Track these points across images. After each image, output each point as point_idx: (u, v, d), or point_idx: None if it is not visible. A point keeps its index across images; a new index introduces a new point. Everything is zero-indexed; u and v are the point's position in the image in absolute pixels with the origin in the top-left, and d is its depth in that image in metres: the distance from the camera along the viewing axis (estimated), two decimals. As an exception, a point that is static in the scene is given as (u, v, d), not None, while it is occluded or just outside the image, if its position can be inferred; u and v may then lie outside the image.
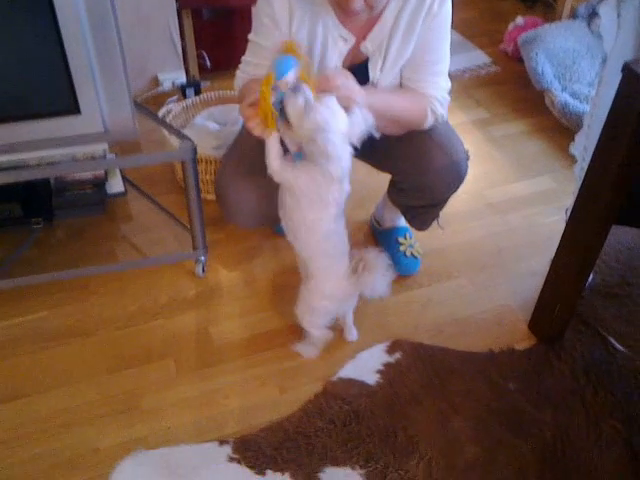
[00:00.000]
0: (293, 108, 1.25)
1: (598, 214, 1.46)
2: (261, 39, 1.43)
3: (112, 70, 1.44)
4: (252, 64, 1.47)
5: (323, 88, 1.31)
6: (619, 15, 1.57)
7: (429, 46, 1.43)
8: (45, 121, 1.48)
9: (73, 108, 1.46)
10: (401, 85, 1.51)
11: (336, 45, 1.42)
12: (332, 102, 1.26)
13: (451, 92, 1.53)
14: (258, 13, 1.41)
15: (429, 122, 1.51)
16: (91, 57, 1.40)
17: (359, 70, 1.45)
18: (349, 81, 1.32)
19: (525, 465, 1.42)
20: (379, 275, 1.45)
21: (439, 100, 1.50)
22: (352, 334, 1.68)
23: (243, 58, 1.49)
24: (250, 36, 1.46)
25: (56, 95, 1.45)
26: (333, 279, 1.49)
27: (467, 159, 1.57)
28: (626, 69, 1.25)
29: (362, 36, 1.42)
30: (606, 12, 1.60)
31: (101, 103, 1.47)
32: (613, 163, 1.36)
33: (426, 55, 1.44)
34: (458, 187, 1.59)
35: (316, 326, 1.58)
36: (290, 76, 1.25)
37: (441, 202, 1.66)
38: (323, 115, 1.24)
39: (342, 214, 1.43)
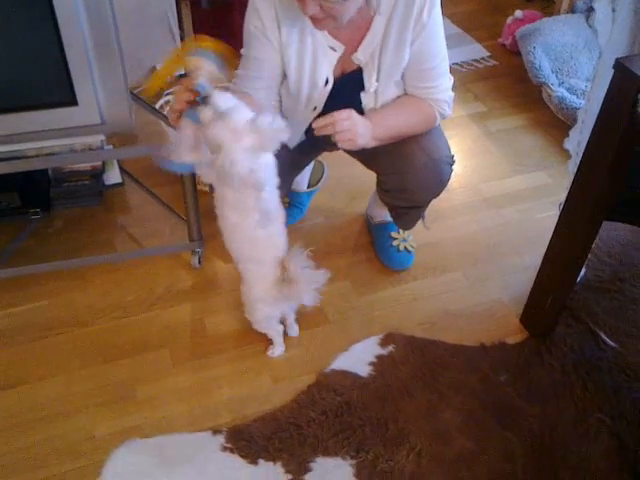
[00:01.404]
0: (202, 118, 1.24)
1: (589, 209, 1.47)
2: (253, 52, 1.44)
3: (109, 62, 1.46)
4: (246, 78, 1.47)
5: (324, 131, 1.33)
6: (614, 10, 1.58)
7: (426, 54, 1.44)
8: (42, 112, 1.49)
9: (70, 99, 1.47)
10: (406, 91, 1.52)
11: (325, 55, 1.42)
12: (236, 115, 1.24)
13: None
14: (247, 26, 1.42)
15: (437, 123, 1.54)
16: (88, 49, 1.41)
17: (353, 79, 1.46)
18: (351, 122, 1.34)
19: (513, 457, 1.44)
20: (304, 286, 1.43)
21: (446, 101, 1.51)
22: (293, 330, 1.69)
23: (237, 72, 1.49)
24: (242, 50, 1.46)
25: (53, 86, 1.47)
26: (261, 285, 1.47)
27: (451, 164, 1.57)
28: (618, 65, 1.26)
29: (353, 46, 1.42)
30: (601, 7, 1.62)
31: (98, 95, 1.49)
32: (605, 159, 1.37)
33: (424, 63, 1.45)
34: (440, 191, 1.60)
35: (263, 327, 1.59)
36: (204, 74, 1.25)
37: (423, 204, 1.68)
38: (221, 134, 1.22)
39: (276, 221, 1.41)
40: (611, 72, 1.29)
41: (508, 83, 2.69)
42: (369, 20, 1.38)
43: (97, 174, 1.98)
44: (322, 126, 1.34)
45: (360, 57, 1.43)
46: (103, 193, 2.04)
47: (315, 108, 1.51)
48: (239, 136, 1.22)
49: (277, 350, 1.64)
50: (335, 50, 1.42)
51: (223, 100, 1.25)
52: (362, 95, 1.49)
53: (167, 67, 1.27)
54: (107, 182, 2.02)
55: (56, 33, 1.37)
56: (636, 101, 1.18)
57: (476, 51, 2.89)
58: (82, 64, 1.43)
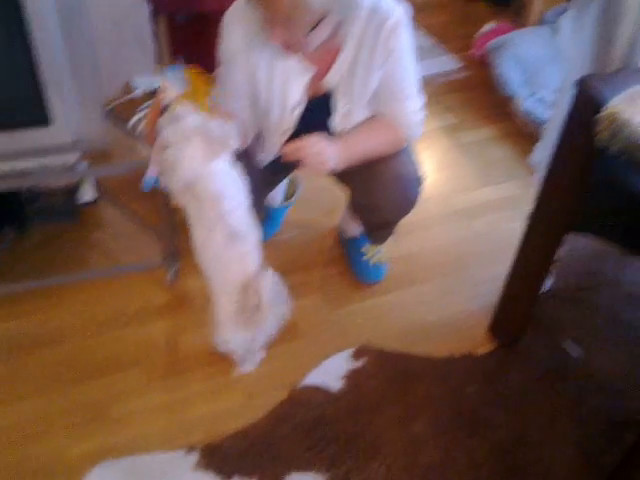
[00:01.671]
0: (160, 122, 1.28)
1: (553, 222, 1.51)
2: (227, 73, 1.48)
3: (84, 82, 1.49)
4: (225, 98, 1.50)
5: (292, 158, 1.36)
6: (577, 29, 1.62)
7: (394, 78, 1.47)
8: (16, 132, 1.50)
9: (44, 119, 1.49)
10: (376, 113, 1.55)
11: (296, 78, 1.45)
12: (187, 118, 1.27)
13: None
14: (220, 48, 1.45)
15: (407, 144, 1.58)
16: (63, 69, 1.44)
17: (323, 102, 1.50)
18: (319, 147, 1.38)
19: (482, 466, 1.47)
20: (270, 311, 1.44)
21: (415, 122, 1.55)
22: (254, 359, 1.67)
23: (216, 93, 1.52)
24: (217, 70, 1.50)
25: (27, 107, 1.49)
26: (229, 305, 1.47)
27: (419, 184, 1.61)
28: (578, 85, 1.30)
29: (323, 70, 1.45)
30: (566, 25, 1.65)
31: (72, 114, 1.51)
32: (566, 175, 1.42)
33: (393, 87, 1.48)
34: (409, 210, 1.64)
35: (225, 348, 1.59)
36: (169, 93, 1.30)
37: (393, 222, 1.71)
38: (170, 136, 1.26)
39: (245, 240, 1.41)
40: (573, 90, 1.33)
41: (479, 95, 2.74)
42: (339, 45, 1.41)
43: (72, 191, 1.98)
44: (291, 151, 1.37)
45: (330, 81, 1.46)
46: (78, 210, 2.05)
47: (286, 130, 1.54)
48: (187, 138, 1.25)
49: (248, 367, 1.64)
50: (305, 74, 1.45)
51: (181, 107, 1.27)
52: (332, 118, 1.52)
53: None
54: (82, 199, 2.02)
55: (31, 54, 1.39)
56: (595, 121, 1.21)
57: (448, 63, 2.94)
58: (56, 83, 1.45)
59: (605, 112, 1.18)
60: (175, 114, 1.26)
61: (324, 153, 1.40)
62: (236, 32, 1.40)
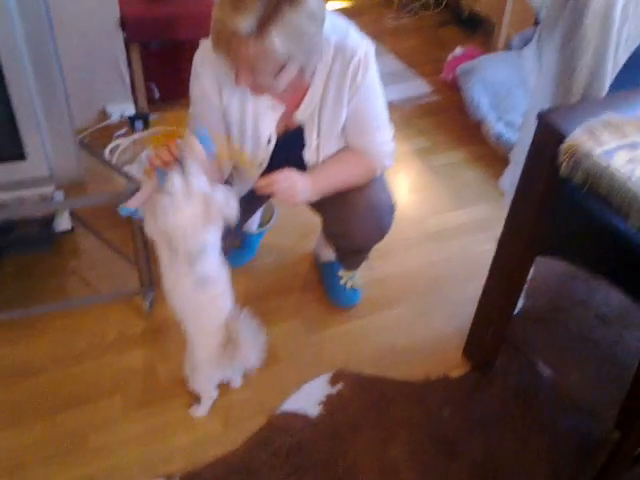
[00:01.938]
0: (170, 179, 1.29)
1: (521, 246, 1.56)
2: (199, 113, 1.51)
3: (56, 117, 1.49)
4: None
5: (264, 191, 1.40)
6: (540, 59, 1.68)
7: (363, 112, 1.51)
8: (-8, 167, 1.51)
9: (19, 153, 1.50)
10: (347, 145, 1.59)
11: (266, 114, 1.49)
12: (196, 183, 1.29)
13: (394, 123, 1.61)
14: (192, 89, 1.49)
15: (378, 174, 1.61)
16: (36, 104, 1.44)
17: (295, 135, 1.53)
18: (290, 182, 1.41)
19: (458, 489, 1.50)
20: (248, 349, 1.44)
21: (385, 153, 1.59)
22: (235, 383, 1.69)
23: (187, 132, 1.55)
24: (190, 110, 1.53)
25: (2, 141, 1.49)
26: (204, 347, 1.48)
27: (392, 212, 1.65)
28: (540, 118, 1.35)
29: (293, 105, 1.49)
30: (528, 56, 1.71)
31: (46, 148, 1.51)
32: (532, 201, 1.46)
33: (362, 120, 1.52)
34: (381, 237, 1.68)
35: (199, 388, 1.59)
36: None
37: (365, 249, 1.74)
38: (175, 197, 1.27)
39: (216, 283, 1.42)
40: (536, 122, 1.38)
41: (451, 118, 2.80)
42: (307, 83, 1.44)
43: (48, 220, 1.98)
44: (263, 186, 1.40)
45: (300, 116, 1.50)
46: (53, 239, 2.05)
47: (261, 163, 1.57)
48: (189, 195, 1.27)
49: (200, 411, 1.63)
50: (275, 111, 1.48)
51: (195, 170, 1.29)
52: (304, 151, 1.56)
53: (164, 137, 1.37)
54: (57, 228, 2.02)
55: (4, 91, 1.40)
56: (557, 153, 1.26)
57: (420, 87, 3.01)
58: (30, 119, 1.46)
59: (566, 145, 1.23)
60: (189, 168, 1.28)
61: (295, 187, 1.43)
62: (207, 73, 1.43)
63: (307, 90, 1.46)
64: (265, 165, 1.58)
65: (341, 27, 1.43)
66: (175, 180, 1.27)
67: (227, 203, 1.30)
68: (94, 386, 1.70)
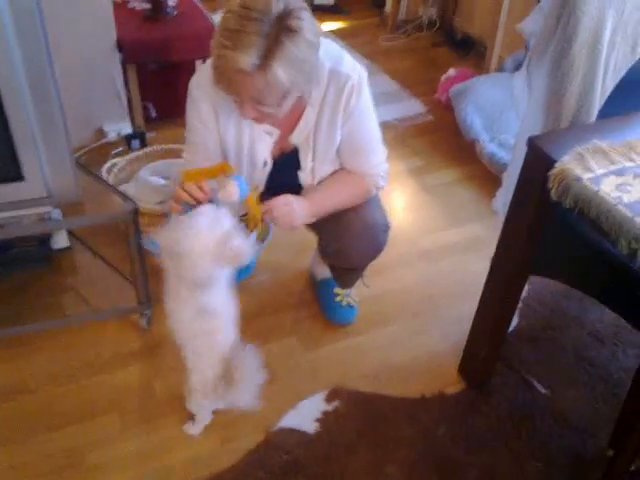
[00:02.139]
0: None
1: (514, 266, 1.58)
2: (194, 137, 1.54)
3: (54, 139, 1.51)
4: (191, 162, 1.56)
5: (264, 218, 1.43)
6: (530, 85, 1.72)
7: (357, 135, 1.55)
8: (-9, 188, 1.53)
9: (17, 175, 1.52)
10: (342, 166, 1.62)
11: (262, 139, 1.52)
12: (218, 225, 1.30)
13: (387, 143, 1.64)
14: (188, 115, 1.51)
15: (373, 194, 1.64)
16: (33, 128, 1.46)
17: (290, 158, 1.56)
18: (289, 207, 1.44)
19: (454, 507, 1.51)
20: (244, 388, 1.43)
21: (380, 175, 1.62)
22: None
23: (184, 155, 1.60)
24: (185, 134, 1.56)
25: (0, 164, 1.50)
26: (199, 376, 1.47)
27: (386, 230, 1.68)
28: (530, 144, 1.38)
29: (289, 129, 1.52)
30: (519, 82, 1.75)
31: (44, 169, 1.53)
32: (524, 223, 1.49)
33: (356, 143, 1.56)
34: (375, 256, 1.70)
35: (193, 410, 1.59)
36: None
37: (361, 267, 1.77)
38: (188, 236, 1.28)
39: (219, 318, 1.41)
40: (526, 148, 1.41)
41: (444, 138, 2.84)
42: (302, 107, 1.48)
43: (44, 239, 2.00)
44: (262, 212, 1.43)
45: (295, 140, 1.53)
46: (51, 257, 2.07)
47: (257, 187, 1.60)
48: (209, 237, 1.28)
49: (193, 430, 1.63)
50: (271, 134, 1.52)
51: (225, 211, 1.31)
52: (300, 173, 1.59)
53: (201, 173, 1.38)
54: (55, 246, 2.04)
55: (1, 111, 1.42)
56: (547, 177, 1.29)
57: (414, 107, 3.05)
58: (27, 140, 1.48)
59: (556, 170, 1.26)
60: (220, 208, 1.30)
61: (294, 212, 1.46)
62: (203, 99, 1.46)
63: (302, 114, 1.49)
64: (262, 188, 1.60)
65: (335, 53, 1.47)
66: (204, 215, 1.28)
67: (243, 250, 1.30)
68: (91, 403, 1.70)
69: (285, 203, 1.45)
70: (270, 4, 1.23)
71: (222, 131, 1.49)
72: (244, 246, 1.29)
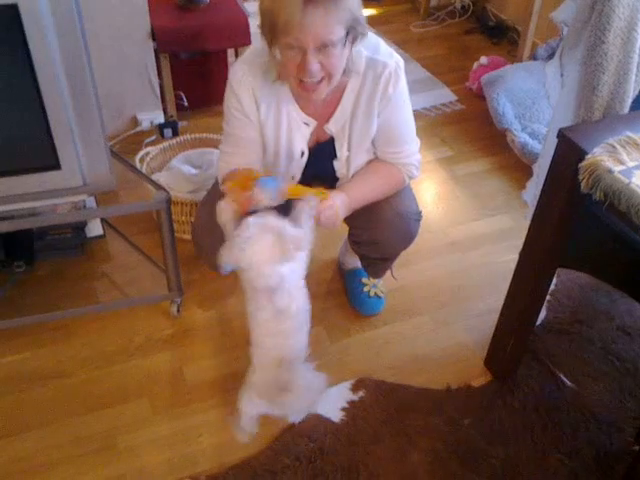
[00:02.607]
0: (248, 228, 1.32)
1: (543, 258, 1.57)
2: (234, 129, 1.54)
3: (90, 129, 1.54)
4: (230, 154, 1.56)
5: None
6: (562, 75, 1.70)
7: (393, 123, 1.55)
8: (28, 176, 1.57)
9: (54, 164, 1.56)
10: (376, 156, 1.62)
11: (299, 129, 1.53)
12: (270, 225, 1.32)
13: (417, 132, 1.63)
14: (228, 106, 1.51)
15: (406, 184, 1.65)
16: (70, 116, 1.49)
17: (326, 148, 1.58)
18: (332, 211, 1.45)
19: (477, 497, 1.52)
20: (297, 400, 1.44)
21: (414, 165, 1.62)
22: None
23: (221, 148, 1.60)
24: (224, 126, 1.56)
25: (38, 152, 1.54)
26: (261, 376, 1.45)
27: (418, 219, 1.68)
28: (561, 135, 1.37)
29: (325, 119, 1.53)
30: (551, 71, 1.73)
31: (80, 159, 1.57)
32: (553, 215, 1.48)
33: (392, 132, 1.56)
34: (408, 244, 1.70)
35: (243, 413, 1.54)
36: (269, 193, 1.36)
37: (392, 257, 1.77)
38: (244, 244, 1.30)
39: (293, 319, 1.40)
40: (557, 139, 1.40)
41: (474, 127, 2.82)
42: (339, 94, 1.48)
43: (79, 227, 2.05)
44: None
45: (332, 128, 1.54)
46: (85, 244, 2.12)
47: (293, 177, 1.62)
48: (263, 240, 1.31)
49: (239, 436, 1.55)
50: (308, 125, 1.53)
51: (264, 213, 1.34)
52: (335, 162, 1.60)
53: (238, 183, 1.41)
54: (89, 234, 2.09)
55: (39, 102, 1.46)
56: (577, 169, 1.28)
57: (444, 95, 3.02)
58: (64, 130, 1.51)
59: (587, 162, 1.24)
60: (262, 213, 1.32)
61: (338, 214, 1.47)
62: (246, 92, 1.46)
63: (339, 102, 1.50)
64: (298, 178, 1.62)
65: (372, 41, 1.47)
66: (249, 226, 1.30)
67: (300, 236, 1.32)
68: (123, 388, 1.75)
69: (330, 207, 1.46)
70: None
71: (262, 121, 1.51)
72: (299, 232, 1.32)
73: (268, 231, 1.32)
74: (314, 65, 1.33)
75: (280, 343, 1.43)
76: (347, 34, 1.32)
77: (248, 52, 1.52)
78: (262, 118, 1.50)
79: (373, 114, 1.51)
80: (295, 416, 1.50)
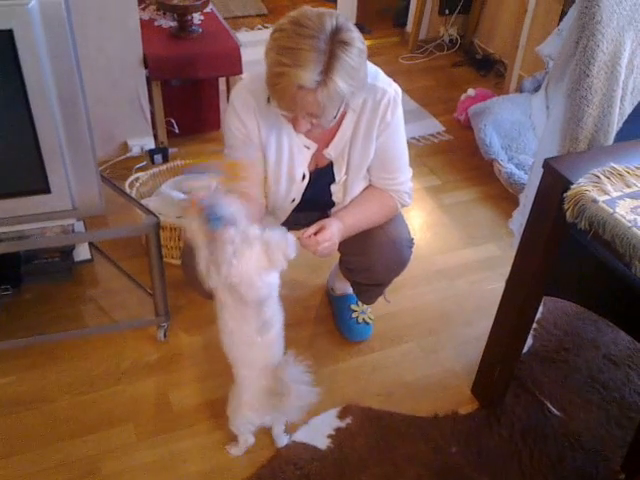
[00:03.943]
0: (226, 235, 1.30)
1: (529, 286, 1.59)
2: (236, 152, 1.55)
3: (81, 154, 1.55)
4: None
5: (308, 249, 1.47)
6: (548, 107, 1.74)
7: (389, 149, 1.58)
8: (18, 199, 1.57)
9: (44, 188, 1.56)
10: (371, 182, 1.65)
11: (300, 152, 1.56)
12: (250, 231, 1.32)
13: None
14: (230, 129, 1.53)
15: (398, 212, 1.68)
16: (62, 143, 1.50)
17: (325, 172, 1.61)
18: (330, 243, 1.48)
19: (464, 526, 1.51)
20: (293, 401, 1.43)
21: (406, 192, 1.65)
22: (280, 441, 1.66)
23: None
24: (225, 151, 1.58)
25: (28, 176, 1.55)
26: (252, 391, 1.48)
27: (410, 246, 1.70)
28: (546, 166, 1.40)
29: (325, 143, 1.56)
30: (537, 103, 1.77)
31: (70, 183, 1.57)
32: (539, 243, 1.50)
33: (387, 158, 1.59)
34: (400, 271, 1.72)
35: (237, 429, 1.59)
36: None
37: (385, 283, 1.79)
38: (228, 254, 1.29)
39: (273, 327, 1.44)
40: (542, 169, 1.42)
41: (462, 157, 2.86)
42: (339, 120, 1.51)
43: (67, 251, 2.04)
44: (307, 246, 1.47)
45: (331, 152, 1.57)
46: (73, 269, 2.11)
47: (293, 200, 1.64)
48: (251, 249, 1.30)
49: (235, 452, 1.64)
50: (309, 148, 1.55)
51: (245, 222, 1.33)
52: (332, 186, 1.63)
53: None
54: (77, 258, 2.08)
55: (31, 125, 1.46)
56: (563, 199, 1.31)
57: (432, 126, 3.07)
58: (55, 154, 1.51)
59: (572, 191, 1.27)
60: (239, 222, 1.31)
61: (335, 244, 1.50)
62: (246, 112, 1.49)
63: (339, 128, 1.53)
64: (298, 201, 1.64)
65: (371, 69, 1.50)
66: (230, 242, 1.29)
67: (286, 242, 1.32)
68: (108, 413, 1.74)
69: (329, 239, 1.48)
70: (324, 22, 1.28)
71: (264, 144, 1.53)
72: (283, 236, 1.32)
73: (252, 241, 1.31)
74: (304, 126, 1.40)
75: (265, 353, 1.44)
76: (347, 103, 1.38)
77: (250, 76, 1.55)
78: (264, 140, 1.52)
79: (372, 138, 1.54)
80: (295, 416, 1.48)
